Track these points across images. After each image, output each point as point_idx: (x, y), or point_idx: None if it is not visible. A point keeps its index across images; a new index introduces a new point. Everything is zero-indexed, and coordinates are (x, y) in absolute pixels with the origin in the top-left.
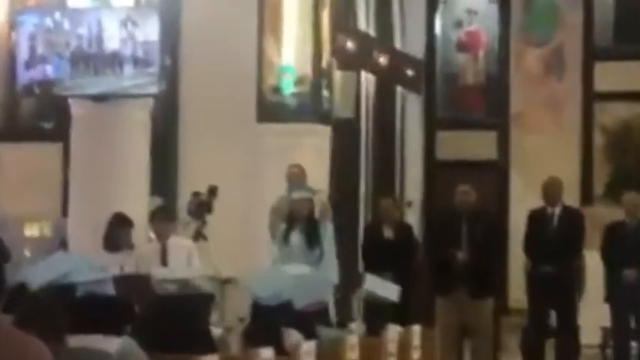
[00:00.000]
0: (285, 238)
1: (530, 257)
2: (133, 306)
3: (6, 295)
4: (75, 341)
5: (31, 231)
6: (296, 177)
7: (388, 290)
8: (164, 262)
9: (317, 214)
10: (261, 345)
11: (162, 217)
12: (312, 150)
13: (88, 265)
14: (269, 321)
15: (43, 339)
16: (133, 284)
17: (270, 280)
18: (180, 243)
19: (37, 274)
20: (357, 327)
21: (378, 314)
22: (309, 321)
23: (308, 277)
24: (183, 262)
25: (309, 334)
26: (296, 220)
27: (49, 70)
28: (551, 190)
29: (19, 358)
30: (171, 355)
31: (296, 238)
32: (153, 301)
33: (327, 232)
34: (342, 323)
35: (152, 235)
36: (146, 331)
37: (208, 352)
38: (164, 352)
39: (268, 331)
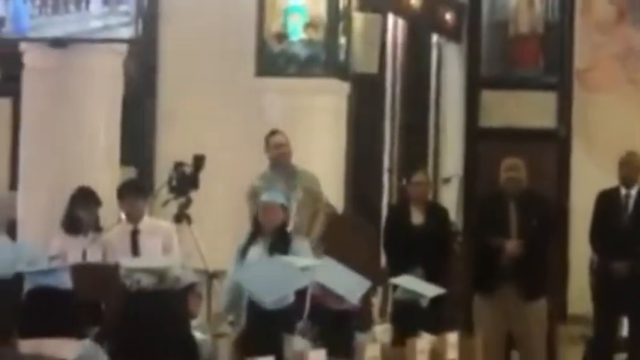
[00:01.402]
0: (243, 252)
1: (598, 250)
2: (99, 303)
3: None
4: (26, 346)
5: None
6: (281, 154)
7: (419, 288)
8: (135, 248)
9: (290, 226)
10: (259, 355)
11: (134, 193)
12: (324, 112)
13: (38, 251)
14: (269, 326)
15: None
16: (98, 276)
17: (273, 282)
18: (156, 225)
19: None
20: (381, 333)
21: (405, 318)
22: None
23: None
24: (159, 249)
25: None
26: (261, 232)
27: None
28: (629, 167)
29: None
30: None
31: (255, 254)
32: (122, 298)
33: (301, 252)
34: (362, 327)
35: (122, 215)
36: (114, 334)
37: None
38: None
39: (268, 339)
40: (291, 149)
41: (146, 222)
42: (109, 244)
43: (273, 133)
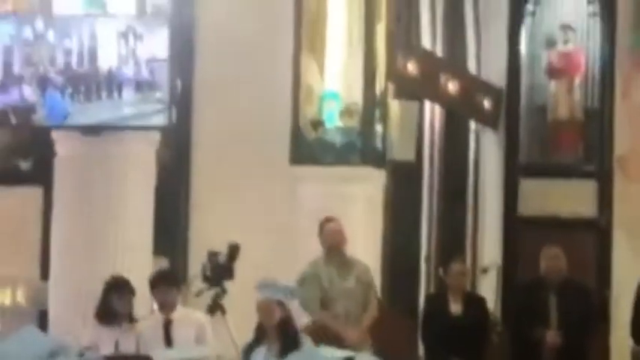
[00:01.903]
0: (247, 353)
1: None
2: None
3: None
4: None
5: (2, 298)
6: (335, 241)
7: None
8: (168, 339)
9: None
10: None
11: (167, 283)
12: (361, 200)
13: (69, 343)
14: None
15: None
16: None
17: None
18: (189, 316)
19: (5, 356)
20: None
21: None
22: None
23: None
24: (192, 339)
25: None
26: (264, 332)
27: (28, 93)
28: None
29: None
30: None
31: (259, 356)
32: None
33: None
34: None
35: (155, 306)
36: None
37: None
38: None
39: None
40: (345, 237)
41: (179, 312)
42: (142, 335)
43: (328, 220)
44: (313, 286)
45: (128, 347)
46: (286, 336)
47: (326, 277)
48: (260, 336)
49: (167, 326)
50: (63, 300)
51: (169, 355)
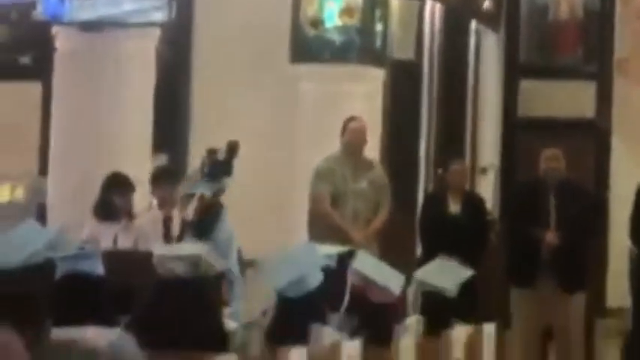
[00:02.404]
0: None
1: (638, 243)
2: (130, 290)
3: None
4: (56, 333)
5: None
6: (355, 140)
7: (441, 280)
8: (168, 236)
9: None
10: (289, 345)
11: (168, 180)
12: (360, 99)
13: (68, 237)
14: (298, 316)
15: (18, 330)
16: (130, 263)
17: (287, 264)
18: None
19: (4, 250)
20: (414, 324)
21: (439, 309)
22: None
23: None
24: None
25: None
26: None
27: None
28: None
29: None
30: (175, 354)
31: None
32: (154, 286)
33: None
34: (398, 319)
35: (154, 202)
36: (145, 322)
37: (222, 351)
38: (167, 349)
39: (297, 329)
40: (366, 138)
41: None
42: (141, 230)
43: (352, 119)
44: (326, 180)
45: (127, 243)
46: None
47: (339, 175)
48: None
49: (167, 223)
50: (62, 195)
51: (170, 250)
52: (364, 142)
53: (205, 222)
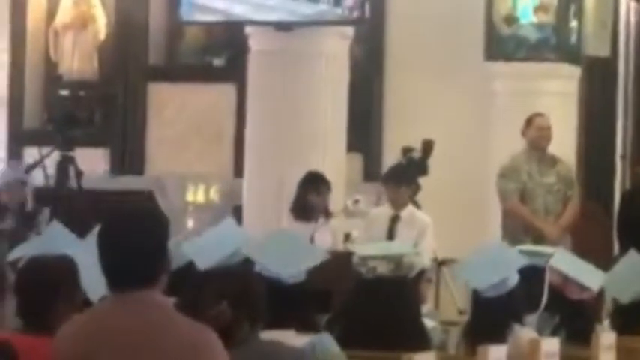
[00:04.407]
0: None
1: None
2: (330, 290)
3: (170, 274)
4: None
5: (195, 196)
6: (541, 137)
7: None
8: (392, 234)
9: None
10: (487, 343)
11: (397, 180)
12: (555, 97)
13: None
14: (494, 314)
15: (234, 327)
16: (330, 263)
17: (487, 265)
18: (415, 216)
19: (205, 250)
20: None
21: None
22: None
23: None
24: (412, 239)
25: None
26: None
27: None
28: None
29: (186, 346)
30: (376, 352)
31: None
32: (355, 285)
33: None
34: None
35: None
36: (346, 321)
37: (421, 349)
38: (367, 348)
39: (494, 327)
40: (551, 134)
41: (408, 211)
42: (371, 223)
43: (538, 115)
44: (511, 178)
45: (323, 242)
46: None
47: (526, 172)
48: None
49: (394, 221)
50: (257, 196)
51: (372, 250)
52: (549, 137)
53: None
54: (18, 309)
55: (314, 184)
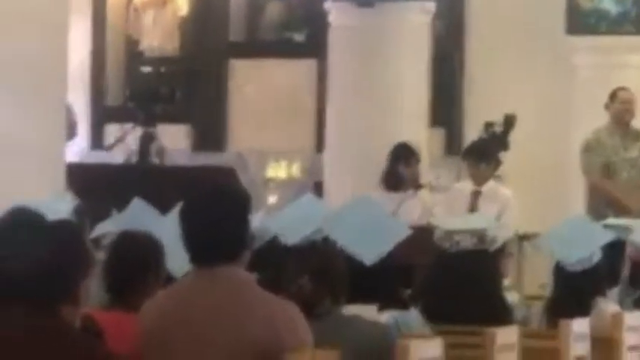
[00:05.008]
0: None
1: None
2: (412, 264)
3: (253, 250)
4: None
5: (276, 171)
6: (625, 110)
7: None
8: (473, 209)
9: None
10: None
11: (476, 157)
12: (636, 70)
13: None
14: (577, 289)
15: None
16: (412, 237)
17: (573, 239)
18: (497, 191)
19: (289, 226)
20: None
21: None
22: None
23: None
24: (494, 214)
25: None
26: None
27: None
28: None
29: (269, 321)
30: (460, 326)
31: None
32: (437, 259)
33: None
34: None
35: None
36: (428, 295)
37: (504, 323)
38: (450, 322)
39: (577, 302)
40: (635, 108)
41: (489, 186)
42: (449, 197)
43: (622, 88)
44: (595, 152)
45: (411, 212)
46: None
47: (609, 146)
48: None
49: (475, 196)
50: (338, 171)
51: (456, 224)
52: (633, 112)
53: None
54: (106, 285)
55: (403, 155)
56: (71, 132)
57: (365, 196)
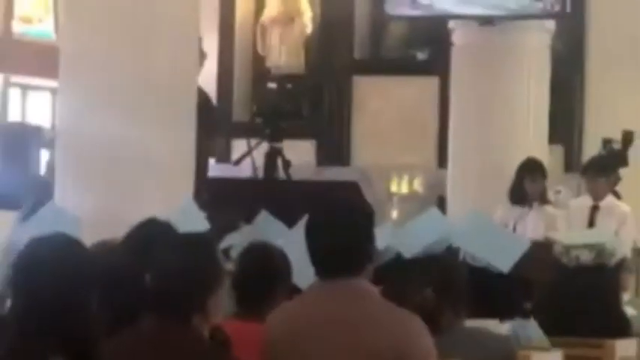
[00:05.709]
0: None
1: None
2: (531, 279)
3: (377, 264)
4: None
5: (399, 186)
6: None
7: None
8: (591, 223)
9: None
10: None
11: (594, 172)
12: None
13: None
14: None
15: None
16: (533, 252)
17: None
18: (615, 206)
19: (411, 239)
20: None
21: None
22: None
23: None
24: (612, 229)
25: None
26: None
27: None
28: None
29: (395, 333)
30: (578, 339)
31: None
32: (558, 273)
33: None
34: None
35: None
36: (547, 309)
37: (624, 336)
38: (570, 335)
39: None
40: None
41: (607, 201)
42: (569, 212)
43: None
44: None
45: (536, 226)
46: None
47: None
48: None
49: (593, 211)
50: (460, 187)
51: (574, 239)
52: None
53: None
54: (235, 296)
55: (529, 170)
56: None
57: (480, 212)
